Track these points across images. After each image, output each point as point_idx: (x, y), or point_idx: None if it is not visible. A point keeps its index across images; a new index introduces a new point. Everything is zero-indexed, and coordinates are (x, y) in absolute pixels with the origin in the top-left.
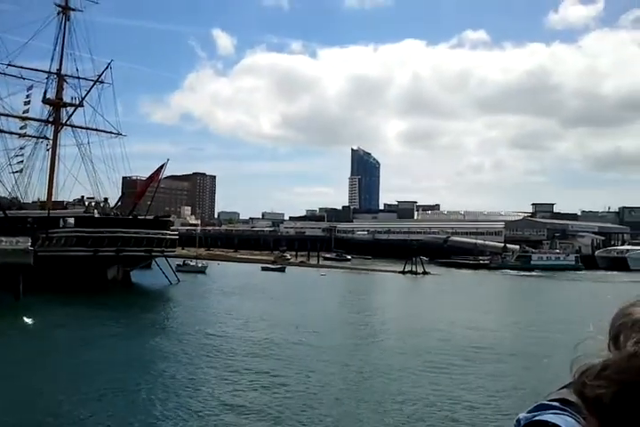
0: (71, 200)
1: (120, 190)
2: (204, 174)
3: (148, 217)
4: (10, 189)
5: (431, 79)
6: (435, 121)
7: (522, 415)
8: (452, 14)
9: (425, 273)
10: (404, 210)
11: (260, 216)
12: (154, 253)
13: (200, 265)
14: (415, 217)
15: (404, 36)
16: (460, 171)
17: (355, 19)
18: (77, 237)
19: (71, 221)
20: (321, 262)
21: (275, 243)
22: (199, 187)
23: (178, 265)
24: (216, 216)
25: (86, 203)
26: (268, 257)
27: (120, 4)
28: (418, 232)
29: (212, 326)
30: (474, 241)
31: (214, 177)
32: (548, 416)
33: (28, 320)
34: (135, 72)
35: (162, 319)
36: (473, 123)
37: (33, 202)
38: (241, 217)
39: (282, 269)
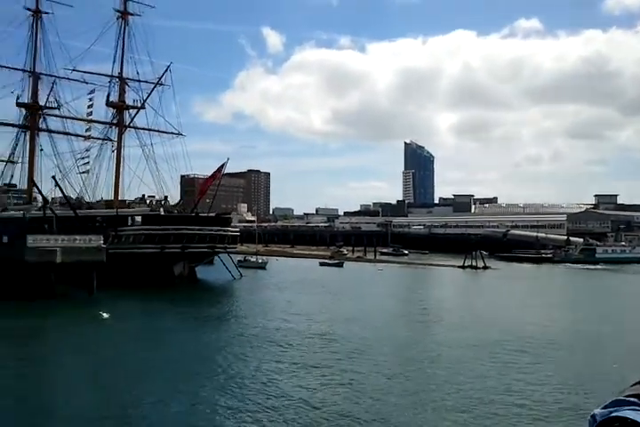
0: (132, 199)
1: (179, 188)
2: (258, 171)
3: (209, 214)
4: (77, 190)
5: (482, 70)
6: (487, 112)
7: (597, 411)
8: (503, 3)
9: (485, 267)
10: (460, 204)
11: (314, 212)
12: (217, 250)
13: (260, 261)
14: (472, 210)
15: (454, 27)
16: (517, 162)
17: (403, 12)
18: (145, 234)
19: (138, 219)
20: (378, 257)
21: (331, 238)
22: (254, 184)
23: (239, 261)
24: (271, 213)
25: (147, 201)
26: (325, 252)
27: (172, 6)
28: (475, 226)
29: (275, 319)
30: (535, 234)
31: (268, 174)
32: (626, 413)
33: (104, 314)
34: (188, 73)
35: (227, 313)
36: (527, 113)
37: (97, 201)
38: (295, 213)
39: (340, 265)
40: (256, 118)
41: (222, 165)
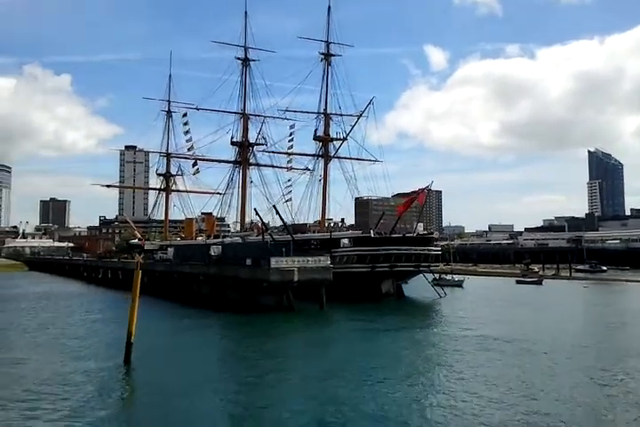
0: (312, 222)
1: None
2: (429, 190)
3: (409, 235)
4: (285, 217)
5: None
6: None
7: None
8: None
9: None
10: None
11: (487, 229)
12: (421, 268)
13: (457, 279)
14: None
15: (634, 23)
16: None
17: (574, 13)
18: (357, 255)
19: (345, 241)
20: (573, 275)
21: (515, 256)
22: (427, 202)
23: (434, 279)
24: (442, 231)
25: (326, 224)
26: (511, 270)
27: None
28: None
29: (487, 331)
30: None
31: (440, 192)
32: None
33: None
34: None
35: (442, 326)
36: None
37: (296, 224)
38: (466, 230)
39: (538, 282)
40: (420, 137)
41: (426, 187)
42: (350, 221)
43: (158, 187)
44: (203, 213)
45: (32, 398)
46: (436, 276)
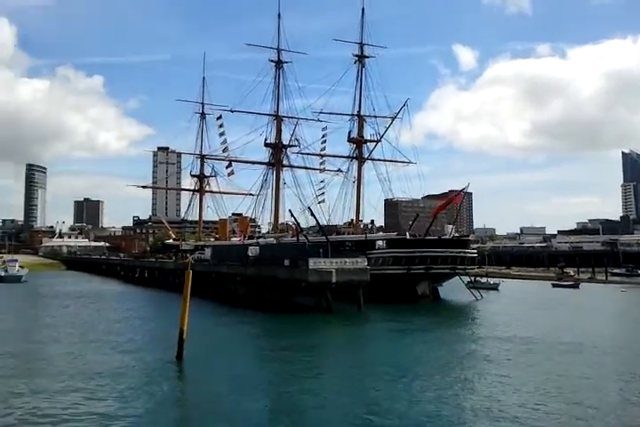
0: (342, 223)
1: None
2: (465, 192)
3: (444, 237)
4: (319, 218)
5: None
6: None
7: None
8: None
9: None
10: None
11: (518, 231)
12: (457, 271)
13: (492, 282)
14: None
15: None
16: None
17: (606, 11)
18: (393, 257)
19: (380, 242)
20: (609, 278)
21: (549, 259)
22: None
23: (468, 282)
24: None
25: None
26: (545, 274)
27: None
28: None
29: (528, 334)
30: None
31: (470, 193)
32: None
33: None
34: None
35: (480, 328)
36: None
37: (326, 226)
38: (496, 232)
39: (575, 286)
40: (449, 138)
41: (462, 190)
42: (379, 222)
43: (192, 188)
44: (234, 214)
45: (93, 389)
46: (472, 278)
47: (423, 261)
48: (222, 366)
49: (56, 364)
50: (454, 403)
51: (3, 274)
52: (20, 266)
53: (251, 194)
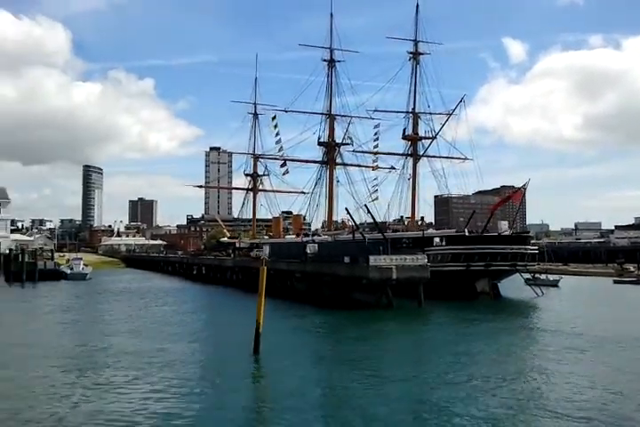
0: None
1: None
2: (512, 187)
3: (504, 233)
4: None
5: None
6: None
7: None
8: None
9: None
10: None
11: (572, 226)
12: (518, 268)
13: (552, 279)
14: None
15: None
16: None
17: None
18: (452, 254)
19: (437, 239)
20: None
21: (608, 255)
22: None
23: (527, 279)
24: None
25: (405, 222)
26: (604, 270)
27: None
28: None
29: (597, 332)
30: None
31: (518, 188)
32: None
33: None
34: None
35: (545, 325)
36: None
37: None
38: (550, 228)
39: (638, 282)
40: (499, 132)
41: (523, 186)
42: (428, 219)
43: (245, 187)
44: (283, 213)
45: (183, 380)
46: (531, 275)
47: (483, 258)
48: (296, 361)
49: (144, 356)
50: (520, 405)
51: (69, 272)
52: (84, 264)
53: (303, 192)
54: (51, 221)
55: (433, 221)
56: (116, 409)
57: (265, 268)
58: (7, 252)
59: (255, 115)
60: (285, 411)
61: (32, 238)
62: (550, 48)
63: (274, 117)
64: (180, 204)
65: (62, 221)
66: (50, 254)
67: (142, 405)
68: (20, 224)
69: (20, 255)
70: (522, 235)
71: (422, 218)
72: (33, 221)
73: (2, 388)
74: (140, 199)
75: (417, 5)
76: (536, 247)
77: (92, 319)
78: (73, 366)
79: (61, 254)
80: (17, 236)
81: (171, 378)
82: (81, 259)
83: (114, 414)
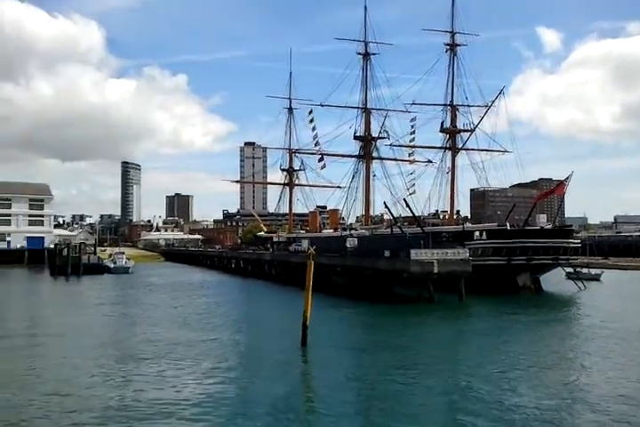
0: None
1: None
2: (550, 180)
3: (546, 227)
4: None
5: None
6: None
7: None
8: None
9: None
10: None
11: (612, 219)
12: (560, 262)
13: (594, 273)
14: None
15: None
16: None
17: None
18: (493, 247)
19: (477, 233)
20: None
21: None
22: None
23: (568, 273)
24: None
25: (440, 216)
26: None
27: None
28: None
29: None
30: None
31: (561, 181)
32: None
33: None
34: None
35: (590, 320)
36: None
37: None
38: (588, 222)
39: None
40: (534, 123)
41: (566, 179)
42: (463, 212)
43: (281, 182)
44: (318, 207)
45: (234, 369)
46: (572, 269)
47: (524, 252)
48: (341, 353)
49: (195, 346)
50: (567, 403)
51: (112, 266)
52: (126, 258)
53: (339, 187)
54: (90, 216)
55: (469, 215)
56: (173, 396)
57: (312, 262)
58: (52, 246)
59: (290, 109)
60: (332, 400)
61: (74, 233)
62: (586, 37)
63: (310, 112)
64: (215, 199)
65: (102, 216)
66: (92, 249)
67: (198, 391)
68: (61, 220)
69: (65, 250)
70: (564, 228)
71: (458, 212)
72: (73, 216)
73: (67, 375)
74: (177, 194)
75: None
76: (579, 241)
77: (140, 311)
78: (129, 356)
79: (102, 249)
80: (60, 231)
81: (226, 369)
82: (123, 253)
83: (173, 401)
